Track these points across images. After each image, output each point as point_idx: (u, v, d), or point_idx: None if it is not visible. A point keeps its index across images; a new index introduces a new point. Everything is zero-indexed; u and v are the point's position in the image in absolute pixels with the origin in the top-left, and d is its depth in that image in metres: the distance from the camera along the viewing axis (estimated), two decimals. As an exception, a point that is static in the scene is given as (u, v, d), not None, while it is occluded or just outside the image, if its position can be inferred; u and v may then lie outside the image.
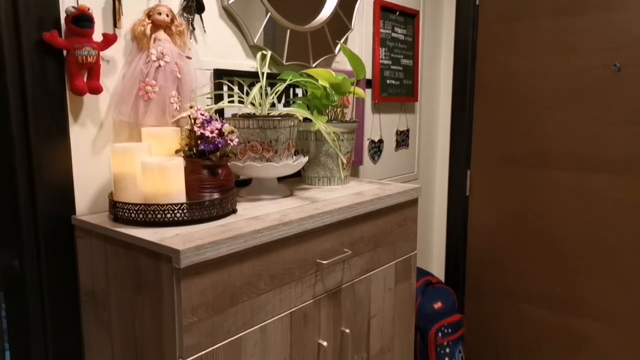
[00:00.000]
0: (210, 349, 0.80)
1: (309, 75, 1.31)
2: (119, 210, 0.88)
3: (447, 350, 1.89)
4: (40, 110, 0.91)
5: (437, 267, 2.29)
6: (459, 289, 2.21)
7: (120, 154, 0.91)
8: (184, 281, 0.75)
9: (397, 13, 1.85)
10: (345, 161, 1.30)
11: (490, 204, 2.13)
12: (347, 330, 1.10)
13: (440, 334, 1.87)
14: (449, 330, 1.91)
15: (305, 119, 1.24)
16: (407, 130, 2.01)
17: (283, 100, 1.40)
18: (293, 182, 1.33)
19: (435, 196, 2.27)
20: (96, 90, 0.95)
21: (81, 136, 0.98)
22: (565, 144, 1.90)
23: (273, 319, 0.92)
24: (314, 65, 1.48)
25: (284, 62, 1.38)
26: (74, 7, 0.91)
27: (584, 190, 1.88)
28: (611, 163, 1.81)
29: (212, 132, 0.94)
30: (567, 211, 1.93)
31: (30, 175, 0.93)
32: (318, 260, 1.01)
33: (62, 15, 0.92)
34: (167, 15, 1.04)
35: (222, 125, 0.98)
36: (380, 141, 1.87)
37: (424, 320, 1.88)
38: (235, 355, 0.84)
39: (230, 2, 1.22)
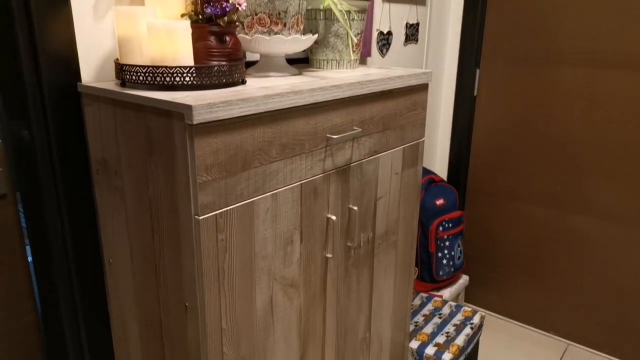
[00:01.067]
0: (225, 209, 0.82)
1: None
2: (127, 74, 0.86)
3: (447, 243, 1.96)
4: (36, -33, 0.86)
5: (440, 168, 2.30)
6: (460, 188, 2.24)
7: (124, 15, 0.87)
8: (196, 138, 0.75)
9: None
10: (356, 41, 1.26)
11: (497, 104, 2.10)
12: (355, 208, 1.12)
13: (441, 228, 1.93)
14: (450, 225, 1.96)
15: (315, -5, 1.18)
16: (417, 24, 1.93)
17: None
18: (300, 67, 1.29)
19: (442, 96, 2.23)
20: (95, -54, 0.89)
21: (82, 1, 0.93)
22: (579, 40, 1.83)
23: (284, 188, 0.93)
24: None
25: None
26: None
27: (592, 88, 1.85)
28: (624, 59, 1.76)
29: (219, -6, 0.89)
30: (574, 110, 1.91)
31: (33, 42, 0.89)
32: (328, 135, 1.00)
33: None
34: None
35: (229, -11, 0.93)
36: (389, 33, 1.80)
37: (426, 215, 1.92)
38: (248, 218, 0.86)
39: None
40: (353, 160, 1.10)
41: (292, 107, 0.90)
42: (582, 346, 2.08)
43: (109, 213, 0.98)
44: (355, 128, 1.07)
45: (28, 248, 1.09)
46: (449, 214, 1.97)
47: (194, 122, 0.73)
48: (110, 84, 0.92)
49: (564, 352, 2.05)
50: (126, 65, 0.86)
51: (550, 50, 1.91)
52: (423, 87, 1.29)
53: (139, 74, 0.84)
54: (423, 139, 1.34)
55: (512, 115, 2.06)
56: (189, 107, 0.72)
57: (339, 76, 1.12)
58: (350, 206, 1.12)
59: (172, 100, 0.75)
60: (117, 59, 0.92)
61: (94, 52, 0.97)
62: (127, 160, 0.88)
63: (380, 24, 1.74)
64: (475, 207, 2.24)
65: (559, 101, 1.93)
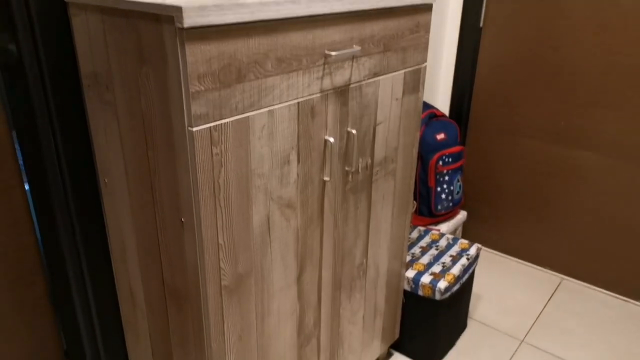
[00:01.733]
0: (219, 122, 0.79)
1: None
2: (114, -21, 0.81)
3: (447, 178, 1.95)
4: None
5: (442, 103, 2.26)
6: (462, 124, 2.21)
7: None
8: (188, 44, 0.71)
9: None
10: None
11: (504, 35, 2.03)
12: (354, 131, 1.10)
13: (440, 162, 1.91)
14: (450, 159, 1.95)
15: None
16: (423, -52, 1.83)
17: None
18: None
19: (447, 27, 2.15)
20: None
21: None
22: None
23: (280, 105, 0.90)
24: None
25: None
26: None
27: (602, 16, 1.78)
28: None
29: None
30: (582, 40, 1.85)
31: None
32: (326, 52, 0.97)
33: None
34: None
35: None
36: (393, -44, 1.71)
37: (427, 149, 1.90)
38: (243, 133, 0.84)
39: None
40: (352, 81, 1.06)
41: (289, 18, 0.86)
42: (576, 280, 2.12)
43: (102, 129, 0.96)
44: (355, 46, 1.03)
45: (22, 169, 1.08)
46: (450, 148, 1.95)
47: (185, 26, 0.69)
48: (98, -8, 0.88)
49: (558, 285, 2.09)
50: (113, -31, 0.81)
51: (562, -23, 1.82)
52: (427, 8, 1.23)
53: (126, -22, 0.80)
54: (425, 64, 1.30)
55: (519, 47, 2.00)
56: (178, 9, 0.69)
57: (339, -8, 1.06)
58: (349, 129, 1.10)
59: (161, 2, 0.71)
60: (104, -35, 0.87)
61: (79, -42, 0.91)
62: (118, 73, 0.85)
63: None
64: (476, 142, 2.22)
65: (567, 31, 1.87)
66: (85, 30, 0.89)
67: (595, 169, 1.94)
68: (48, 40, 0.92)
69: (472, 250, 1.68)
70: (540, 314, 1.91)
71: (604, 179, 1.94)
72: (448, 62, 2.19)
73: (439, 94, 2.26)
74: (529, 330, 1.83)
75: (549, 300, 2.00)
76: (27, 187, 1.09)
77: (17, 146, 1.06)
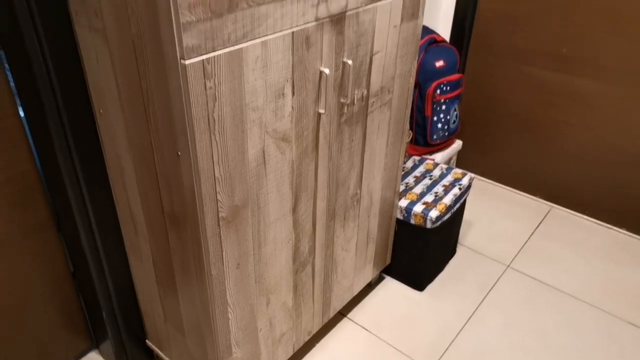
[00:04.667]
0: (212, 54, 0.78)
1: None
2: None
3: (444, 107, 1.94)
4: None
5: (443, 25, 2.19)
6: (462, 48, 2.16)
7: None
8: (177, -29, 0.68)
9: None
10: None
11: (511, -45, 1.93)
12: (350, 62, 1.08)
13: (438, 91, 1.89)
14: (448, 88, 1.92)
15: None
16: None
17: None
18: None
19: (451, -54, 2.04)
20: None
21: None
22: None
23: (274, 35, 0.88)
24: None
25: None
26: None
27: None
28: None
29: None
30: (594, -37, 1.76)
31: None
32: (323, -23, 0.92)
33: None
34: None
35: None
36: None
37: (424, 76, 1.87)
38: (237, 65, 0.83)
39: None
40: (349, 8, 1.03)
41: (283, -59, 0.81)
42: (565, 209, 2.17)
43: (94, 58, 0.94)
44: (352, -29, 0.99)
45: (17, 98, 1.07)
46: (448, 76, 1.92)
47: (173, -49, 0.66)
48: None
49: (547, 213, 2.15)
50: None
51: None
52: None
53: None
54: (426, -11, 1.24)
55: (525, -31, 1.91)
56: None
57: None
58: (345, 60, 1.08)
59: None
60: None
61: None
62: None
63: None
64: (476, 68, 2.18)
65: (578, -47, 1.77)
66: (68, -47, 0.84)
67: (595, 97, 1.93)
68: (29, -38, 0.87)
69: (465, 180, 1.71)
70: (527, 241, 1.98)
71: (604, 107, 1.93)
72: (451, -16, 2.10)
73: (440, 17, 2.18)
74: (515, 256, 1.91)
75: (536, 227, 2.06)
76: (22, 114, 1.09)
77: (9, 74, 1.04)
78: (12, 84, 1.06)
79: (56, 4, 0.92)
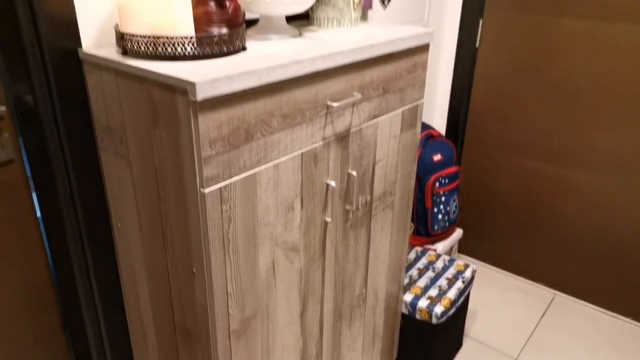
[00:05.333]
0: (228, 181, 0.84)
1: None
2: (128, 43, 0.85)
3: (443, 198, 2.00)
4: None
5: (438, 121, 2.31)
6: (458, 141, 2.26)
7: (122, -19, 0.85)
8: (201, 115, 0.76)
9: None
10: (357, 0, 1.23)
11: (499, 55, 2.08)
12: (354, 173, 1.15)
13: (437, 184, 1.96)
14: (446, 180, 2.00)
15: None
16: (420, -26, 1.87)
17: None
18: (300, 24, 1.27)
19: (444, 47, 2.20)
20: None
21: (77, -38, 0.91)
22: (588, -8, 1.79)
23: (285, 157, 0.95)
24: None
25: None
26: None
27: (595, 39, 1.82)
28: (630, 11, 1.73)
29: (219, -41, 0.87)
30: (576, 62, 1.89)
31: (31, 5, 0.88)
32: (328, 102, 1.01)
33: None
34: None
35: (229, -47, 0.90)
36: (392, -15, 1.75)
37: (423, 170, 1.95)
38: (251, 188, 0.89)
39: None
40: (353, 126, 1.11)
41: (293, 78, 0.90)
42: (568, 296, 2.18)
43: (116, 179, 1.00)
44: (355, 94, 1.08)
45: (38, 209, 1.12)
46: (446, 169, 2.00)
47: (198, 99, 0.74)
48: (112, 51, 0.91)
49: (551, 301, 2.15)
50: (127, 34, 0.85)
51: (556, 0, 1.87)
52: (424, 48, 1.27)
53: (140, 43, 0.84)
54: (422, 100, 1.34)
55: (514, 65, 2.05)
56: (192, 84, 0.73)
57: (340, 38, 1.11)
58: (350, 171, 1.15)
59: (175, 75, 0.75)
60: (118, 25, 0.91)
61: (93, 15, 0.95)
62: (132, 129, 0.90)
63: (382, -25, 1.69)
64: (472, 159, 2.27)
65: (562, 52, 1.91)
66: (100, 87, 0.93)
67: (587, 187, 2.00)
68: (63, 92, 0.95)
69: (468, 273, 1.73)
70: (533, 332, 1.97)
71: (596, 197, 1.99)
72: (445, 80, 2.24)
73: (436, 110, 2.31)
74: (522, 348, 1.89)
75: (542, 317, 2.05)
76: (41, 224, 1.14)
77: (33, 191, 1.10)
78: (34, 195, 1.12)
79: (83, 129, 0.99)
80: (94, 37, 0.96)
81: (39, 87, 0.95)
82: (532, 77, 2.01)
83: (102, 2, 0.96)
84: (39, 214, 1.13)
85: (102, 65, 0.89)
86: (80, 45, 0.94)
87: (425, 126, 2.07)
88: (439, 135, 2.06)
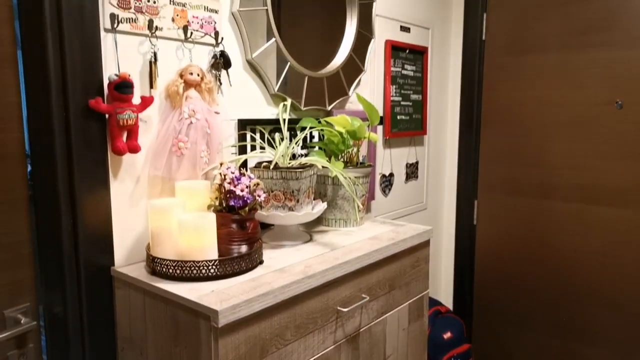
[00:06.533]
0: (243, 398, 0.86)
1: (326, 122, 1.38)
2: (157, 265, 0.95)
3: (456, 378, 1.94)
4: (84, 168, 0.98)
5: (445, 295, 2.34)
6: (466, 316, 2.26)
7: (158, 210, 0.98)
8: (221, 339, 0.81)
9: (407, 51, 1.92)
10: (361, 206, 1.37)
11: (497, 233, 2.19)
12: (365, 371, 1.16)
13: (449, 364, 1.92)
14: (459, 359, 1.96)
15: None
16: (417, 163, 2.08)
17: (301, 143, 1.47)
18: (311, 224, 1.39)
19: (444, 225, 2.33)
20: (135, 149, 1.02)
21: (120, 191, 1.05)
22: (568, 175, 1.96)
23: (298, 366, 0.98)
24: (329, 108, 1.54)
25: (302, 107, 1.44)
26: (116, 75, 0.98)
27: (586, 221, 1.94)
28: (611, 195, 1.87)
29: (242, 190, 1.01)
30: (570, 241, 1.99)
31: (75, 227, 0.99)
32: (338, 308, 1.07)
33: (105, 82, 1.00)
34: (198, 75, 1.11)
35: (250, 182, 1.05)
36: (391, 175, 1.94)
37: (435, 350, 1.93)
38: (264, 403, 0.91)
39: (254, 55, 1.29)
40: (362, 326, 1.16)
41: (307, 291, 0.98)
42: None
43: (131, 389, 1.02)
44: (363, 296, 1.14)
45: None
46: (458, 347, 1.98)
47: (219, 326, 0.80)
48: (141, 269, 1.01)
49: None
50: (157, 258, 0.95)
51: (541, 184, 2.03)
52: (425, 244, 1.38)
53: (168, 267, 0.93)
54: (427, 291, 1.40)
55: (512, 243, 2.14)
56: (215, 312, 0.80)
57: (347, 242, 1.21)
58: (361, 370, 1.16)
59: (199, 301, 0.83)
60: (149, 247, 1.01)
61: (127, 236, 1.07)
62: (153, 344, 0.95)
63: (382, 167, 1.88)
64: (482, 335, 2.25)
65: (556, 231, 2.01)
66: (127, 303, 1.00)
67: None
68: (92, 305, 1.02)
69: None
70: None
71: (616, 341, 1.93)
72: (447, 257, 2.33)
73: (442, 288, 2.35)
74: None
75: None
76: None
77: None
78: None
79: (106, 340, 1.04)
80: (126, 254, 1.07)
81: (70, 300, 1.02)
82: (530, 254, 2.09)
83: (135, 224, 1.08)
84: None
85: (131, 283, 0.98)
86: (113, 263, 1.04)
87: (433, 302, 2.09)
88: (447, 310, 2.08)
